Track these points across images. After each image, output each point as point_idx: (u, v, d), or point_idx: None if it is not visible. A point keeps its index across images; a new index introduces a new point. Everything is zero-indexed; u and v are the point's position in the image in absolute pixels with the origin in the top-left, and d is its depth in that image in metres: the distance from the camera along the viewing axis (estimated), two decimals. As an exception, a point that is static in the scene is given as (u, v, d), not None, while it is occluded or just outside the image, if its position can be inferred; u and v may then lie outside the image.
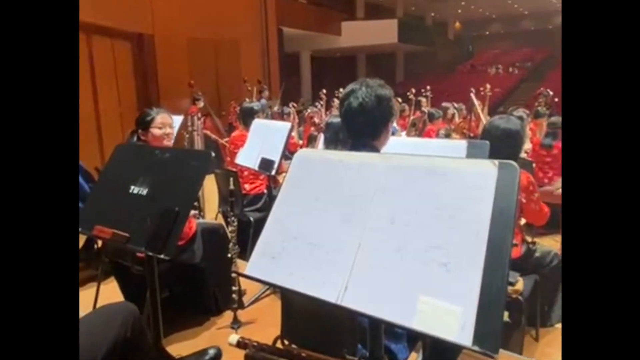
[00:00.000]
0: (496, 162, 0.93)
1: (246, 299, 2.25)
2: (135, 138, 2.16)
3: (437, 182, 0.97)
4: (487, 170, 0.93)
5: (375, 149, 1.39)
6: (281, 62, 11.06)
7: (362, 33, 15.04)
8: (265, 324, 2.02)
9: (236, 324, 2.03)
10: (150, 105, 3.67)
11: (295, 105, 5.82)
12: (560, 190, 3.02)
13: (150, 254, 1.31)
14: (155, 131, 2.09)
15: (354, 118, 1.36)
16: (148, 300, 1.51)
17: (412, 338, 1.34)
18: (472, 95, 5.36)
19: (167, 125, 2.13)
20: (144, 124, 2.11)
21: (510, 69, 16.88)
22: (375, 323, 0.97)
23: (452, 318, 0.84)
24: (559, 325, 2.13)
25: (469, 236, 0.89)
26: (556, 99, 6.05)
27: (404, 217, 0.97)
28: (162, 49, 7.37)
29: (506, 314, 2.09)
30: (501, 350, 1.80)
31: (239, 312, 2.05)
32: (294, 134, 4.51)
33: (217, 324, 2.10)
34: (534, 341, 2.04)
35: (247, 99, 5.96)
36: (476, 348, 0.78)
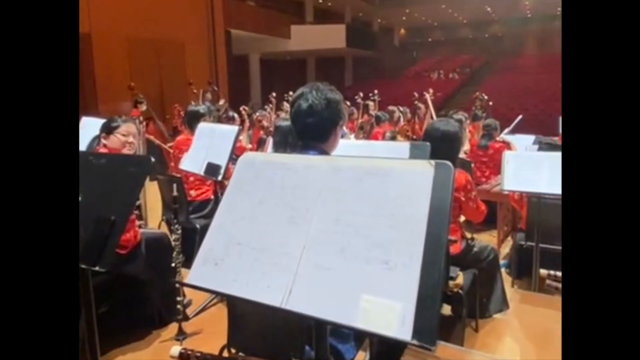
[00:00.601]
0: (432, 162, 0.97)
1: (193, 309, 2.17)
2: (96, 143, 2.16)
3: (378, 182, 1.00)
4: (424, 170, 0.97)
5: (325, 152, 1.40)
6: (229, 65, 10.87)
7: (311, 37, 15.17)
8: (212, 333, 1.97)
9: (181, 335, 1.95)
10: (87, 109, 3.46)
11: (245, 108, 5.73)
12: (496, 188, 3.22)
13: (83, 266, 1.23)
14: (119, 137, 2.10)
15: (304, 120, 1.37)
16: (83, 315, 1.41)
17: (359, 337, 1.36)
18: (428, 97, 5.59)
19: (132, 134, 2.15)
20: (108, 128, 2.13)
21: (451, 75, 17.80)
22: (320, 324, 0.98)
23: (393, 314, 0.86)
24: (497, 316, 2.26)
25: (408, 234, 0.92)
26: (490, 103, 6.47)
27: (347, 217, 0.99)
28: (99, 49, 6.97)
29: (448, 307, 2.19)
30: (443, 343, 1.89)
31: (185, 324, 1.98)
32: (242, 137, 4.44)
33: (161, 337, 2.01)
34: (474, 332, 2.15)
35: (193, 102, 5.78)
36: (415, 342, 0.81)
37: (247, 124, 5.24)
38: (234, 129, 2.70)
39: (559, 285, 1.48)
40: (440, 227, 0.90)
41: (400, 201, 0.95)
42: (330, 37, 15.77)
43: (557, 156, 2.74)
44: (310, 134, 1.39)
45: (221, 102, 6.60)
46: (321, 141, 1.40)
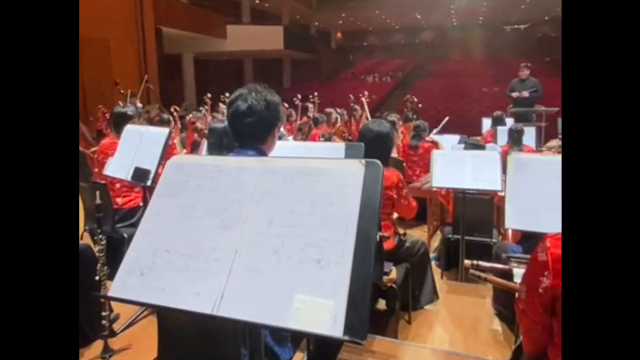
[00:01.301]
0: (363, 161, 1.00)
1: (121, 323, 2.04)
2: None
3: (311, 182, 1.01)
4: (356, 169, 1.00)
5: (263, 153, 1.39)
6: (160, 64, 10.37)
7: (248, 38, 14.94)
8: (142, 348, 1.86)
9: (107, 353, 1.82)
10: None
11: (176, 109, 5.48)
12: (426, 186, 3.40)
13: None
14: None
15: (242, 120, 1.35)
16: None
17: (297, 338, 1.37)
18: (363, 99, 5.74)
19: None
20: None
21: (384, 78, 18.52)
22: (254, 328, 0.97)
23: (325, 312, 0.87)
24: (428, 307, 2.39)
25: (340, 232, 0.94)
26: (420, 105, 6.84)
27: (281, 218, 0.99)
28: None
29: (383, 302, 2.27)
30: (379, 337, 1.96)
31: (112, 340, 1.85)
32: (175, 140, 4.25)
33: (84, 357, 1.85)
34: (407, 324, 2.24)
35: (121, 103, 5.43)
36: (346, 338, 0.82)
37: (178, 125, 5.03)
38: (164, 131, 2.58)
39: (481, 274, 1.59)
40: (370, 223, 0.93)
41: (332, 200, 0.97)
42: (268, 38, 15.66)
43: (479, 154, 2.97)
44: (249, 134, 1.38)
45: (139, 104, 6.24)
46: (259, 142, 1.40)
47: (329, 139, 4.15)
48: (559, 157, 2.03)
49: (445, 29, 22.61)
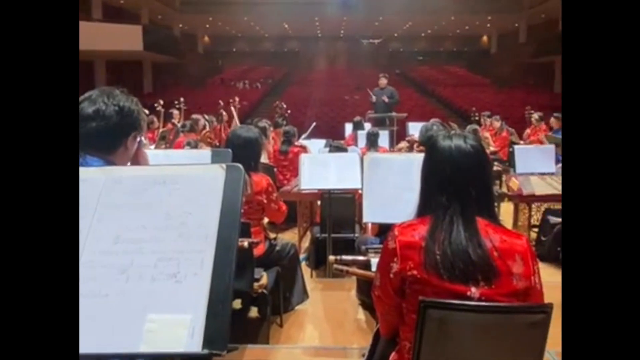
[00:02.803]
0: (224, 165, 0.97)
1: None
2: None
3: (166, 191, 0.94)
4: (215, 174, 0.96)
5: (112, 164, 1.19)
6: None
7: (100, 36, 13.33)
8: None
9: None
10: None
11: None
12: (296, 189, 3.50)
13: None
14: None
15: (85, 125, 1.13)
16: None
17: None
18: (232, 107, 5.61)
19: None
20: None
21: (255, 85, 18.60)
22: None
23: (182, 328, 0.82)
24: (298, 307, 2.45)
25: (199, 241, 0.89)
26: (289, 111, 7.08)
27: (129, 234, 0.90)
28: None
29: (255, 309, 2.26)
30: (250, 346, 1.94)
31: None
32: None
33: None
34: (279, 328, 2.26)
35: None
36: (206, 352, 0.79)
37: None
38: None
39: (344, 267, 1.69)
40: (231, 229, 0.90)
41: (190, 209, 0.92)
42: (124, 38, 14.24)
43: (341, 156, 3.19)
44: (94, 142, 1.15)
45: None
46: (106, 152, 1.18)
47: (195, 147, 3.97)
48: (405, 156, 2.31)
49: (311, 39, 23.82)
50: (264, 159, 4.07)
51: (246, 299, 2.25)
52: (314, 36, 23.53)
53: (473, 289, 1.02)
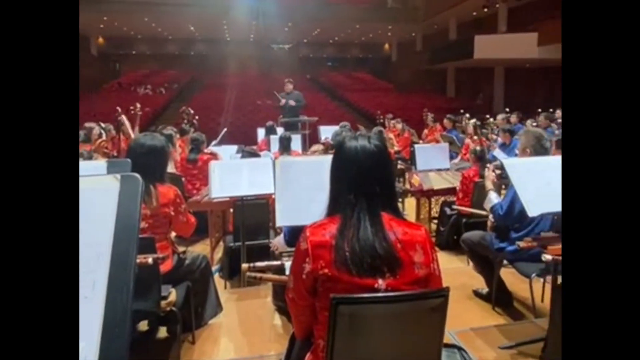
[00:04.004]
0: (118, 176, 0.90)
1: None
2: None
3: (49, 209, 0.84)
4: (109, 185, 0.88)
5: None
6: None
7: None
8: None
9: None
10: None
11: None
12: (206, 198, 3.37)
13: None
14: None
15: None
16: None
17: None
18: (133, 114, 5.17)
19: None
20: None
21: (159, 90, 17.51)
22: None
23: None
24: (212, 321, 2.35)
25: (89, 261, 0.82)
26: (197, 117, 6.79)
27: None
28: None
29: (164, 329, 2.12)
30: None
31: None
32: None
33: None
34: (191, 345, 2.15)
35: None
36: (100, 380, 0.72)
37: None
38: None
39: (257, 274, 1.67)
40: (128, 245, 0.84)
41: (81, 225, 0.83)
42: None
43: (254, 161, 3.14)
44: None
45: None
46: None
47: (89, 158, 3.60)
48: (316, 158, 2.35)
49: (219, 43, 23.21)
50: (170, 168, 3.86)
51: (153, 319, 2.09)
52: (222, 39, 22.95)
53: (380, 281, 1.07)
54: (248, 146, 5.13)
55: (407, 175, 5.27)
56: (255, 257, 2.55)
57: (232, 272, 2.98)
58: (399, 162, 6.03)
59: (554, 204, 1.97)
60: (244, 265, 1.71)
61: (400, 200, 4.54)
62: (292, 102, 7.13)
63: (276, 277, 1.71)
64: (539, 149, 2.36)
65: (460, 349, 1.33)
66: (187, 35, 22.00)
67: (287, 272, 1.63)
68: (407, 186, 4.75)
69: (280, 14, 17.37)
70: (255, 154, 3.68)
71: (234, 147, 5.20)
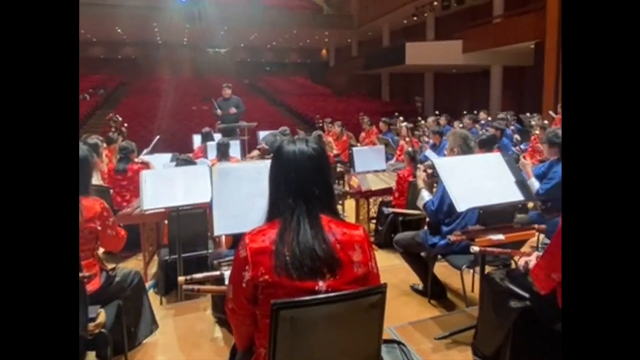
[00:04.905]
0: None
1: None
2: None
3: None
4: None
5: None
6: None
7: None
8: None
9: None
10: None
11: None
12: (137, 210, 3.17)
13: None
14: None
15: None
16: None
17: None
18: None
19: None
20: None
21: (83, 96, 16.22)
22: None
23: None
24: (147, 340, 2.22)
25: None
26: (125, 125, 6.38)
27: None
28: None
29: (93, 354, 1.96)
30: (85, 397, 1.67)
31: None
32: None
33: None
34: (123, 368, 2.02)
35: None
36: None
37: None
38: None
39: (195, 286, 1.60)
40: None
41: None
42: None
43: (189, 170, 3.02)
44: None
45: None
46: None
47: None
48: (255, 163, 2.31)
49: (150, 46, 22.14)
50: (96, 180, 3.59)
51: (80, 344, 1.92)
52: (153, 42, 21.93)
53: (320, 283, 1.08)
54: (183, 154, 4.92)
55: (346, 178, 5.38)
56: (194, 269, 2.44)
57: (168, 287, 2.83)
58: (338, 165, 6.13)
59: (479, 199, 2.11)
60: (181, 278, 1.64)
61: (340, 202, 4.62)
62: (233, 110, 6.94)
63: (215, 287, 1.65)
64: (465, 149, 2.55)
65: (399, 343, 1.37)
66: (115, 37, 20.75)
67: (227, 282, 1.59)
68: (347, 188, 4.84)
69: (216, 17, 16.99)
70: (190, 162, 3.54)
71: (168, 155, 4.96)
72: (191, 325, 2.41)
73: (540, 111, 9.19)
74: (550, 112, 8.07)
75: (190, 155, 5.21)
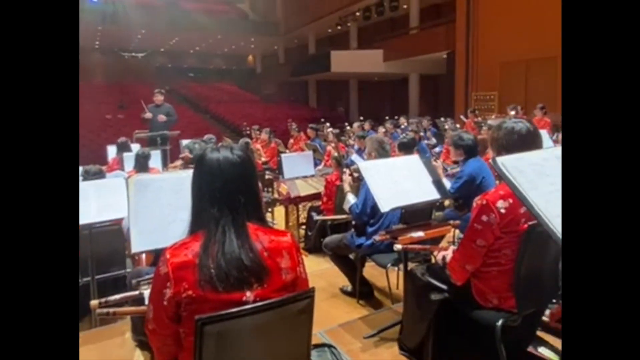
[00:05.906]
0: None
1: None
2: None
3: None
4: None
5: None
6: None
7: None
8: None
9: None
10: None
11: None
12: None
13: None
14: None
15: None
16: None
17: None
18: None
19: None
20: None
21: None
22: None
23: None
24: None
25: None
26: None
27: None
28: None
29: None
30: None
31: None
32: None
33: None
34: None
35: None
36: None
37: None
38: None
39: (110, 309, 1.47)
40: None
41: None
42: None
43: (102, 184, 2.80)
44: None
45: None
46: None
47: None
48: (177, 174, 2.18)
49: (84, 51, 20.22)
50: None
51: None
52: (90, 47, 20.09)
53: (248, 293, 1.05)
54: (95, 166, 4.53)
55: (275, 185, 5.34)
56: (110, 291, 2.25)
57: (80, 312, 2.57)
58: (267, 172, 6.08)
59: (402, 199, 2.22)
60: (94, 302, 1.51)
61: (269, 209, 4.57)
62: (162, 117, 6.51)
63: (133, 309, 1.53)
64: (381, 152, 2.72)
65: (330, 346, 1.38)
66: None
67: (147, 302, 1.48)
68: (276, 195, 4.81)
69: (132, 19, 16.02)
70: (100, 174, 3.27)
71: (81, 168, 4.53)
72: (108, 353, 2.21)
73: (454, 116, 9.97)
74: (462, 117, 8.77)
75: (104, 167, 4.81)
